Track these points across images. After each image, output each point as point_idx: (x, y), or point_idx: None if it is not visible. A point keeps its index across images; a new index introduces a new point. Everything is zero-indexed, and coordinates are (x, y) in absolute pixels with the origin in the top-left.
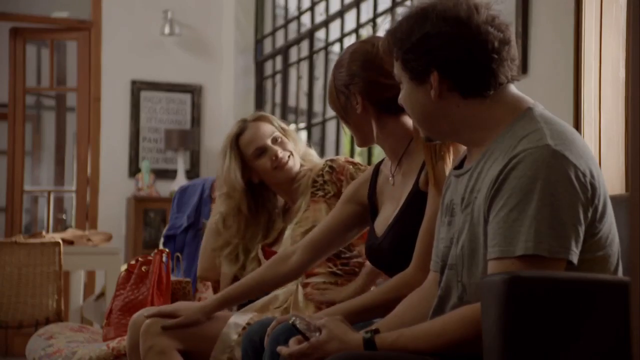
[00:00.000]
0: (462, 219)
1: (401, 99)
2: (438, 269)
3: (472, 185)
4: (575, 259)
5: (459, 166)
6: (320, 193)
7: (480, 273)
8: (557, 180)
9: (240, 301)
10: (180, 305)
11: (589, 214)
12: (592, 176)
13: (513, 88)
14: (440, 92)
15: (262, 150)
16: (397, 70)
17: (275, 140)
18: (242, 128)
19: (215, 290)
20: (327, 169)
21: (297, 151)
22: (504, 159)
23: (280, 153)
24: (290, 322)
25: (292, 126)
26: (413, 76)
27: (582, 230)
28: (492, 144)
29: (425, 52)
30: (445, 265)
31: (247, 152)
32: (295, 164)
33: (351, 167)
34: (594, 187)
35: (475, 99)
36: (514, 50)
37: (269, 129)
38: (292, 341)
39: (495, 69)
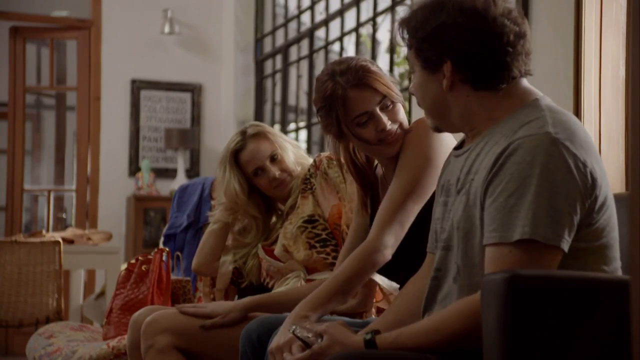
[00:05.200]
0: (457, 200)
1: (412, 87)
2: (433, 250)
3: (468, 167)
4: (566, 247)
5: (458, 146)
6: (308, 187)
7: (477, 254)
8: (555, 168)
9: (275, 311)
10: (215, 305)
11: (587, 204)
12: (592, 167)
13: (525, 82)
14: (452, 83)
15: (261, 171)
16: (410, 58)
17: (273, 159)
18: (241, 144)
19: (213, 287)
20: (311, 164)
21: (295, 163)
22: (504, 142)
23: (278, 174)
24: (290, 330)
25: (292, 125)
26: (426, 65)
27: (576, 219)
28: (493, 127)
29: (440, 42)
30: (440, 246)
31: (246, 169)
32: (293, 179)
33: (326, 161)
34: (594, 178)
35: (487, 92)
36: (529, 44)
37: (267, 148)
38: (294, 348)
39: (510, 62)
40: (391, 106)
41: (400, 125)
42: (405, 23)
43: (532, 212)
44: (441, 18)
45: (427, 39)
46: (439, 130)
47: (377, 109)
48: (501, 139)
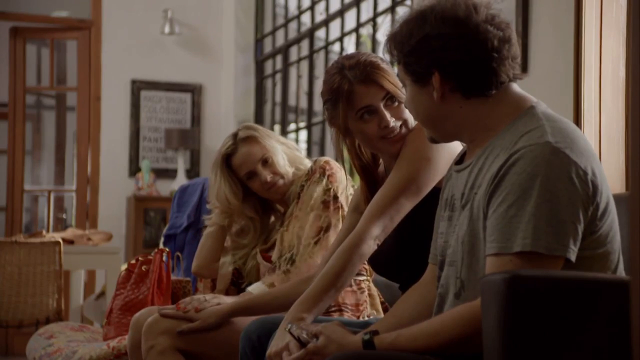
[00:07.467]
0: (462, 215)
1: (405, 102)
2: (437, 263)
3: (472, 181)
4: (573, 257)
5: (459, 161)
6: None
7: (482, 268)
8: (556, 178)
9: (258, 313)
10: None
11: (589, 212)
12: (593, 174)
13: (516, 87)
14: (442, 94)
15: (253, 174)
16: (400, 73)
17: (265, 162)
18: (232, 149)
19: (214, 288)
20: (309, 169)
21: (289, 165)
22: (504, 155)
23: (270, 177)
24: (286, 329)
25: (292, 126)
26: (415, 79)
27: (580, 228)
28: (493, 140)
29: (425, 53)
30: (444, 261)
31: (238, 173)
32: (286, 182)
33: (325, 165)
34: (595, 185)
35: (478, 99)
36: (515, 48)
37: (258, 152)
38: (292, 345)
39: (496, 67)
40: (396, 104)
41: (405, 124)
42: (392, 39)
43: (533, 223)
44: (425, 30)
45: (413, 52)
46: (434, 141)
47: (381, 105)
48: (502, 151)
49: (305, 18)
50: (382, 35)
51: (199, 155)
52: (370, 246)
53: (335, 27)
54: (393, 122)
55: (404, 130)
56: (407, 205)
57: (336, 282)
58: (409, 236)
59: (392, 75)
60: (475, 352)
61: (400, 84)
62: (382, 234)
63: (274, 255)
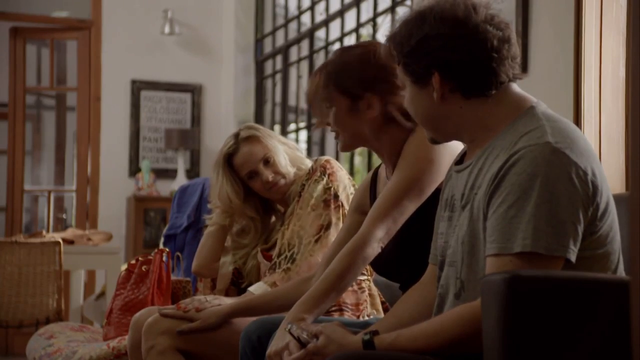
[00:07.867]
0: (462, 215)
1: (405, 102)
2: (437, 263)
3: (472, 182)
4: (573, 257)
5: (459, 162)
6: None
7: (481, 268)
8: (556, 178)
9: (259, 313)
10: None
11: (589, 212)
12: (593, 174)
13: (515, 87)
14: (442, 94)
15: (254, 174)
16: (400, 74)
17: (267, 162)
18: (234, 148)
19: (214, 288)
20: (310, 168)
21: (291, 165)
22: (504, 155)
23: (271, 177)
24: (286, 329)
25: (292, 126)
26: (415, 79)
27: (580, 228)
28: (493, 141)
29: (425, 54)
30: (444, 261)
31: (240, 172)
32: (287, 182)
33: (325, 164)
34: (595, 186)
35: (478, 99)
36: (515, 48)
37: (260, 152)
38: (292, 345)
39: (496, 67)
40: (349, 114)
41: (348, 134)
42: (391, 39)
43: (533, 223)
44: (424, 30)
45: (413, 52)
46: (435, 141)
47: (324, 119)
48: (502, 152)
49: (305, 18)
50: (382, 36)
51: (199, 155)
52: (374, 249)
53: (335, 27)
54: (332, 129)
55: (343, 139)
56: (410, 207)
57: (339, 284)
58: (409, 236)
59: (345, 85)
60: (475, 352)
61: (351, 95)
62: (385, 237)
63: (274, 253)
